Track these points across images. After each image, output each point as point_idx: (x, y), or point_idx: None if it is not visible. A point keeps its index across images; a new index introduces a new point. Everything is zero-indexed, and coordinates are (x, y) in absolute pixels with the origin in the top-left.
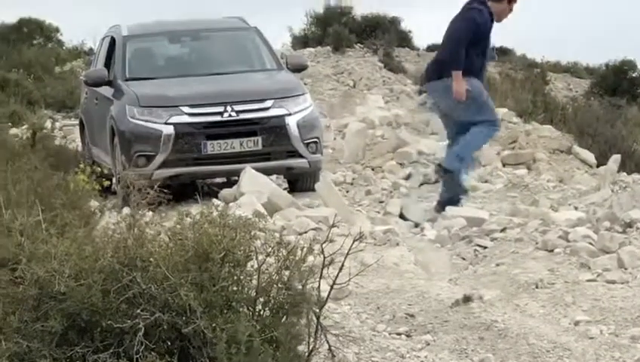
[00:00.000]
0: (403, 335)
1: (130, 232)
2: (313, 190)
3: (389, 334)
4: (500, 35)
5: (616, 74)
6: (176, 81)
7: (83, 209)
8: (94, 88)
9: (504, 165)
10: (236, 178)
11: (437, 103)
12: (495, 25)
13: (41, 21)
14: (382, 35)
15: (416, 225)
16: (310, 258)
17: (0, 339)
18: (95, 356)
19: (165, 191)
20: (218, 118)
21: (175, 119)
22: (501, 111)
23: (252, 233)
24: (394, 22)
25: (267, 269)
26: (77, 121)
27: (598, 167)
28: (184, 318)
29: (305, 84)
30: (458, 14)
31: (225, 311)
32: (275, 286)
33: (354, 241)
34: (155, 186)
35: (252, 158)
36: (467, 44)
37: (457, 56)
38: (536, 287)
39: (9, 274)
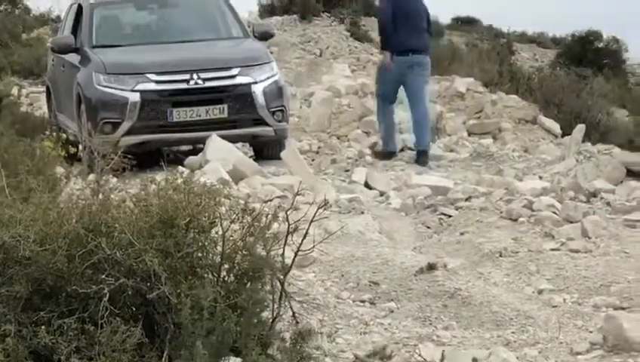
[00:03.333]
0: (367, 303)
1: (95, 198)
2: (279, 158)
3: (353, 301)
4: (467, 6)
5: (582, 44)
6: (143, 48)
7: (49, 175)
8: (61, 55)
9: (470, 134)
10: (202, 146)
11: None
12: None
13: None
14: (349, 3)
15: (382, 194)
16: (275, 225)
17: None
18: (60, 321)
19: (129, 156)
20: (184, 86)
21: (141, 86)
22: (467, 81)
23: (217, 200)
24: None
25: (232, 236)
26: (44, 88)
27: (563, 136)
28: (149, 284)
29: (271, 52)
30: None
31: (189, 277)
32: (239, 252)
33: (318, 209)
34: (119, 152)
35: (218, 126)
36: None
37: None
38: (500, 256)
39: None
